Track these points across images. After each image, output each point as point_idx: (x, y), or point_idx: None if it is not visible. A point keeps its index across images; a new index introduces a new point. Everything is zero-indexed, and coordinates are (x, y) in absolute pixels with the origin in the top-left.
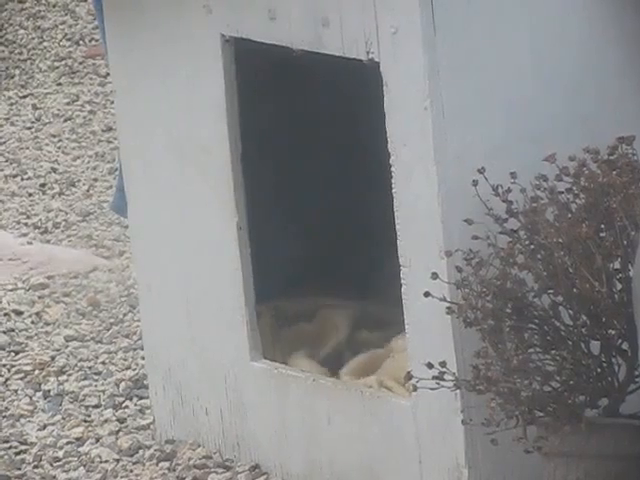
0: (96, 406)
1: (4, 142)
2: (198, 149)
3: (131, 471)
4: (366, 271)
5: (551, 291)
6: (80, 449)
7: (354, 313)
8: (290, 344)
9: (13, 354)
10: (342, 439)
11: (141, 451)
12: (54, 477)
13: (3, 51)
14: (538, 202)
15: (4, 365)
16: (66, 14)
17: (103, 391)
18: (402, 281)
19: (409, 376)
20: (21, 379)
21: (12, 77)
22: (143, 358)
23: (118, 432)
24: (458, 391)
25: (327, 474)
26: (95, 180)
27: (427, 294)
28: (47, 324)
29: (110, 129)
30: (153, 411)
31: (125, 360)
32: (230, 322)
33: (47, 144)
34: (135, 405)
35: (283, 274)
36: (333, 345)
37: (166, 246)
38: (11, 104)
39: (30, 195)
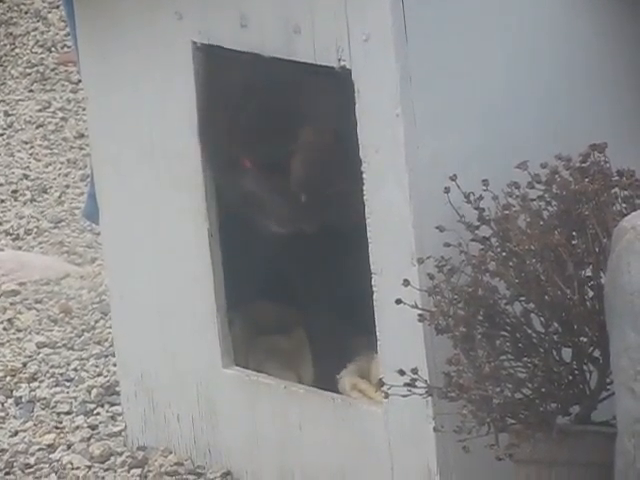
0: (68, 413)
1: None
2: (170, 156)
3: (103, 478)
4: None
5: (523, 298)
6: (51, 456)
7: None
8: (264, 353)
9: None
10: (314, 446)
11: (113, 458)
12: None
13: None
14: (510, 209)
15: None
16: (38, 21)
17: (75, 398)
18: (373, 288)
19: (381, 383)
20: None
21: None
22: (115, 365)
23: (90, 439)
24: (430, 398)
25: None
26: (67, 187)
27: (399, 301)
28: (19, 331)
29: (82, 136)
30: (125, 418)
31: (97, 367)
32: (202, 329)
33: (19, 151)
34: (107, 412)
35: (255, 281)
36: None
37: (138, 253)
38: None
39: (2, 202)
